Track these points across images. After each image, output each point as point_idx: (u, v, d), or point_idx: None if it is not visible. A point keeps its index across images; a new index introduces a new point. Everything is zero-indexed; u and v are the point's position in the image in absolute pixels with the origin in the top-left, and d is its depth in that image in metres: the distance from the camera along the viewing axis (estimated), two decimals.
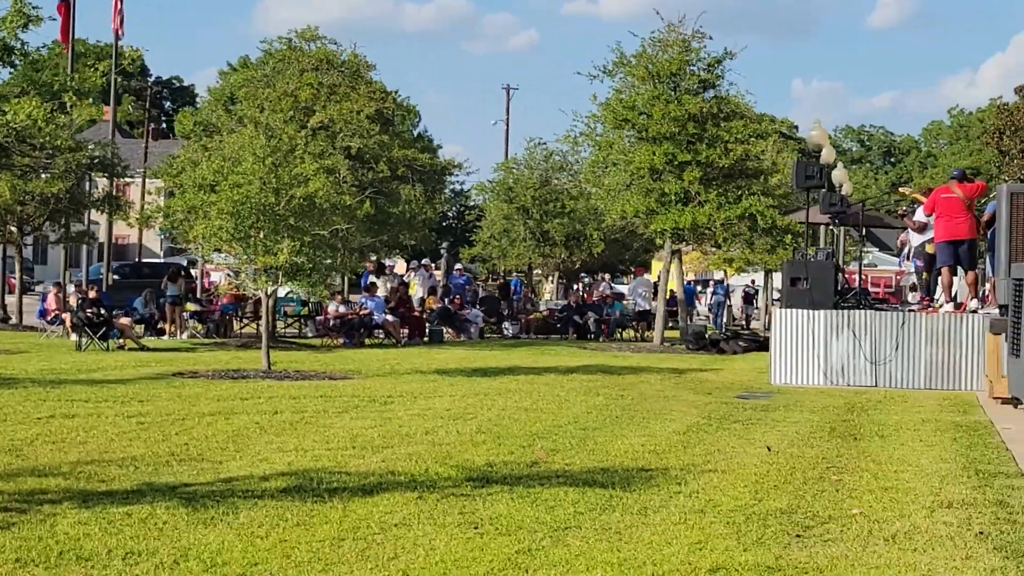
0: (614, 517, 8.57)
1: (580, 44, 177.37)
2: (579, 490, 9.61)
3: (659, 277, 31.67)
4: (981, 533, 8.20)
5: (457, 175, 49.20)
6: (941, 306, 20.55)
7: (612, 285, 42.98)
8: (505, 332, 33.86)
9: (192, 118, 61.39)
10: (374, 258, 37.48)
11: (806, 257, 22.23)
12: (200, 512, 8.43)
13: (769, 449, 12.02)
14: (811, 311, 20.11)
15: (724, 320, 44.09)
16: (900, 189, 27.40)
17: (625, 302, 35.34)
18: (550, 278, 53.39)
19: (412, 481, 9.93)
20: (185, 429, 12.84)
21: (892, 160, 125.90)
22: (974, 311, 20.16)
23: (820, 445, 12.56)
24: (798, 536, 8.04)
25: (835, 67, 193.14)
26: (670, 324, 36.85)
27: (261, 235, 18.62)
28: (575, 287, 44.66)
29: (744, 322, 48.62)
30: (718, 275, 54.68)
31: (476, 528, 8.11)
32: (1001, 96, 60.76)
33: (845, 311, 20.16)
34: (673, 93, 27.50)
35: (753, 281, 54.49)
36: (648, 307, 34.53)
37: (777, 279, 63.12)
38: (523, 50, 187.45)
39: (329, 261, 19.38)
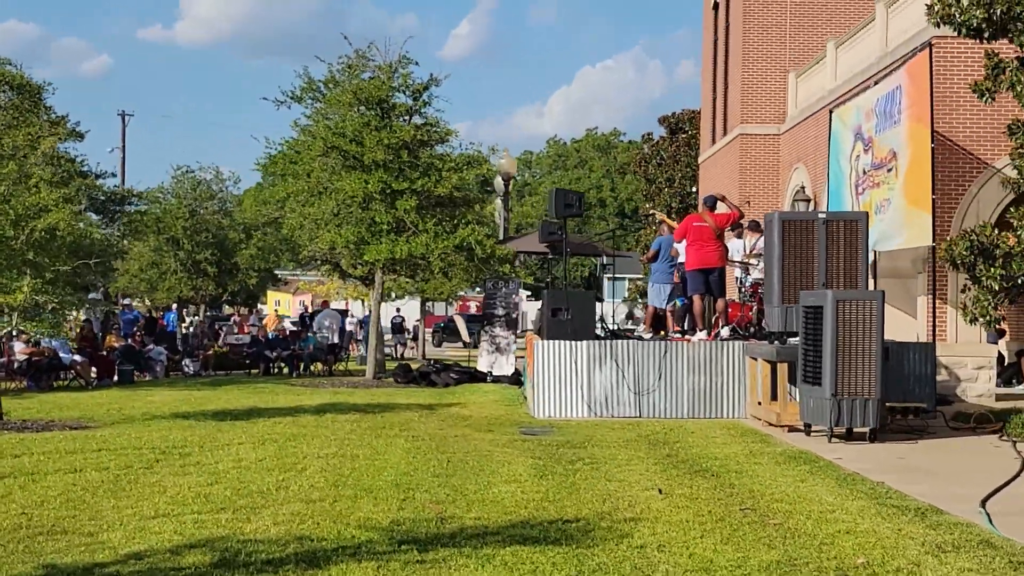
0: None
1: (155, 70, 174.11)
2: (536, 549, 8.84)
3: (370, 309, 30.71)
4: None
5: None
6: (694, 334, 20.62)
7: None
8: (186, 369, 32.01)
9: None
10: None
11: (567, 287, 21.91)
12: None
13: (661, 492, 11.49)
14: (573, 342, 19.75)
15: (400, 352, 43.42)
16: (652, 210, 27.54)
17: (312, 334, 34.07)
18: (188, 310, 51.25)
19: (343, 548, 8.91)
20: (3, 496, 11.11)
21: (489, 189, 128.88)
22: (726, 338, 20.34)
23: (695, 484, 12.13)
24: None
25: None
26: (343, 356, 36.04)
27: None
28: (261, 320, 42.95)
29: (393, 352, 48.08)
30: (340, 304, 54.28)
31: None
32: (597, 127, 62.96)
33: (608, 341, 19.92)
34: (382, 120, 26.70)
35: (399, 309, 54.12)
36: (336, 340, 33.48)
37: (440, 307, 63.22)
38: (95, 76, 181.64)
39: (70, 298, 17.50)
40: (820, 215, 18.36)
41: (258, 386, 26.78)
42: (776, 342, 18.47)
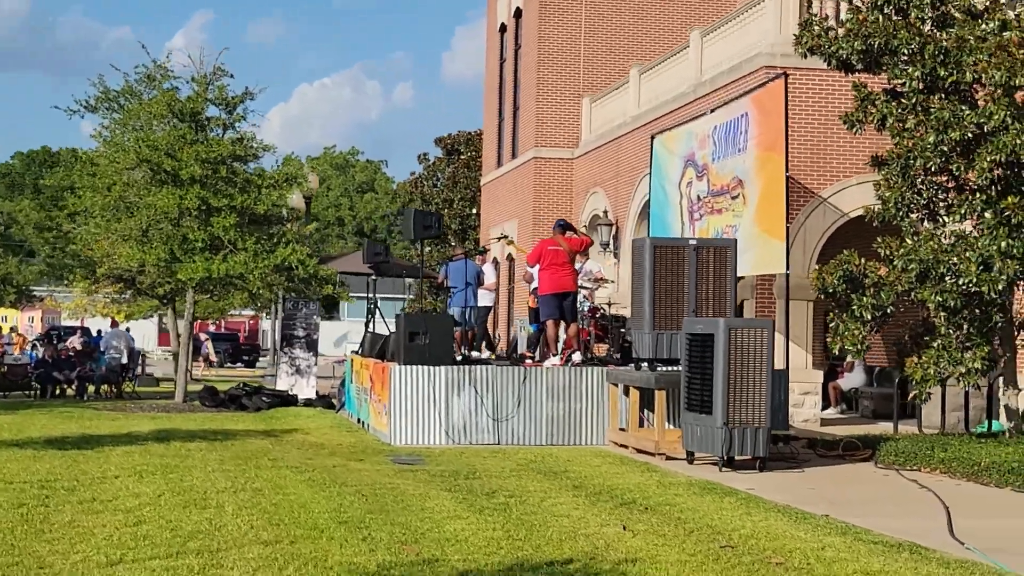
0: None
1: None
2: None
3: (170, 326, 29.26)
4: None
5: None
6: (546, 360, 20.26)
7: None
8: None
9: None
10: None
11: (425, 311, 21.24)
12: None
13: (625, 528, 11.07)
14: (431, 367, 19.14)
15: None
16: (507, 242, 27.00)
17: (102, 354, 32.21)
18: None
19: None
20: None
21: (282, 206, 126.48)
22: (578, 364, 20.06)
23: (643, 519, 11.76)
24: None
25: None
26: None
27: None
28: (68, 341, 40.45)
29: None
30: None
31: None
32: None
33: (467, 367, 19.38)
34: (195, 133, 25.52)
35: (128, 329, 52.07)
36: (125, 361, 31.82)
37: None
38: None
39: None
40: (691, 242, 18.29)
41: (59, 410, 25.14)
42: (644, 368, 18.28)
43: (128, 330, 37.22)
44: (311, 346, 30.98)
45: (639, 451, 17.87)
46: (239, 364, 61.86)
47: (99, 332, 48.38)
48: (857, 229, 24.83)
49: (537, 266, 20.31)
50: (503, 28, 41.80)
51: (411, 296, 53.73)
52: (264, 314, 77.39)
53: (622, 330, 22.59)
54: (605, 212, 32.90)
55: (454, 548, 9.97)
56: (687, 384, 16.41)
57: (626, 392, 19.22)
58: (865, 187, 23.81)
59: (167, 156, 24.86)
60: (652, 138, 26.80)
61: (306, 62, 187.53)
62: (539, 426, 19.33)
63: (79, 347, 33.75)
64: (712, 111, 23.56)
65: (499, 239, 26.43)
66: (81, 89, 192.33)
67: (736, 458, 16.03)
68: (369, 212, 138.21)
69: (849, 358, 27.29)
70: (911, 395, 18.56)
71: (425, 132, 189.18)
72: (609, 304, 23.29)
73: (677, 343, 17.82)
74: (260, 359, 70.19)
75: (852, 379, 27.22)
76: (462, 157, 47.78)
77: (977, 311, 16.75)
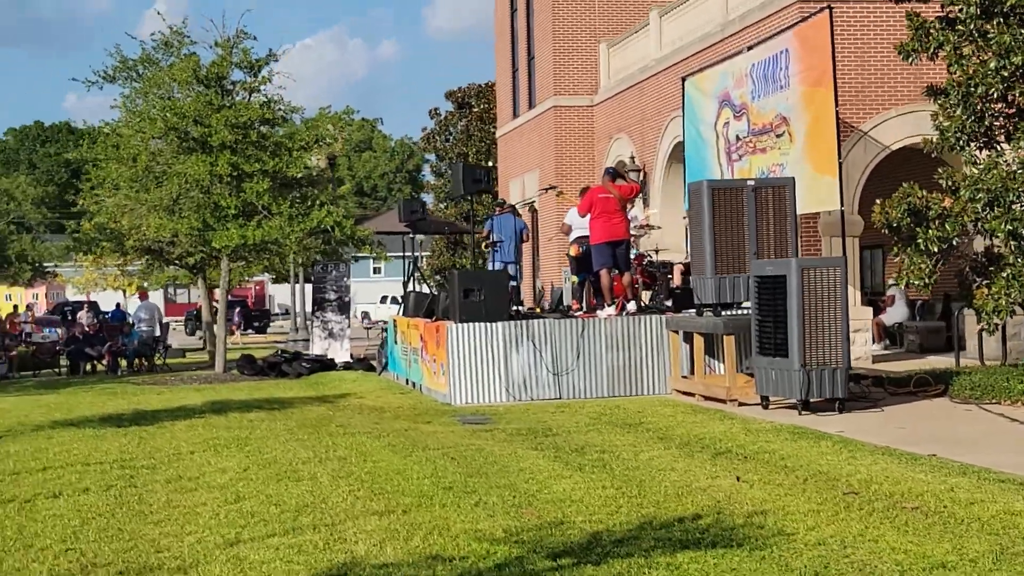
0: None
1: None
2: (713, 553, 8.06)
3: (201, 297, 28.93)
4: None
5: None
6: (602, 309, 19.94)
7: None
8: None
9: None
10: None
11: (481, 267, 20.91)
12: None
13: (739, 479, 10.78)
14: (488, 323, 18.83)
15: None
16: (555, 193, 26.59)
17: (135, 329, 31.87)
18: None
19: (509, 567, 7.83)
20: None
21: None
22: (633, 313, 19.75)
23: (746, 468, 11.48)
24: None
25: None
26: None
27: None
28: (78, 316, 40.12)
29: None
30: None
31: None
32: None
33: (524, 321, 19.06)
34: (222, 98, 25.07)
35: (118, 305, 51.67)
36: (157, 333, 31.51)
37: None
38: None
39: None
40: (749, 183, 17.90)
41: (99, 387, 24.85)
42: (707, 314, 17.96)
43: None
44: (343, 308, 30.66)
45: (707, 398, 17.57)
46: (249, 331, 61.59)
47: (117, 306, 48.09)
48: (900, 162, 24.50)
49: (587, 216, 19.92)
50: None
51: (427, 252, 53.29)
52: (269, 279, 76.97)
53: (669, 276, 22.29)
54: (632, 158, 32.47)
55: (573, 509, 9.68)
56: (758, 328, 16.08)
57: (686, 339, 18.92)
58: (905, 119, 23.48)
59: (195, 123, 24.42)
60: (683, 80, 26.36)
61: (289, 22, 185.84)
62: (600, 378, 19.03)
63: (86, 322, 33.29)
64: (749, 48, 23.13)
65: (547, 190, 25.96)
66: (65, 63, 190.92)
67: (812, 401, 15.72)
68: (368, 171, 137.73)
69: (891, 291, 27.01)
70: (979, 327, 18.22)
71: (414, 88, 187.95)
72: (656, 251, 22.95)
73: (740, 287, 17.53)
74: (270, 324, 69.98)
75: (894, 314, 26.96)
76: (474, 110, 47.24)
77: None
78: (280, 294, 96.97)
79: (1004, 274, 16.76)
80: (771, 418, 15.26)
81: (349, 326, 31.06)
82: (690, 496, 10.07)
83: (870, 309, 24.19)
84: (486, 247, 22.30)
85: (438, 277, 45.44)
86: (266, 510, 10.03)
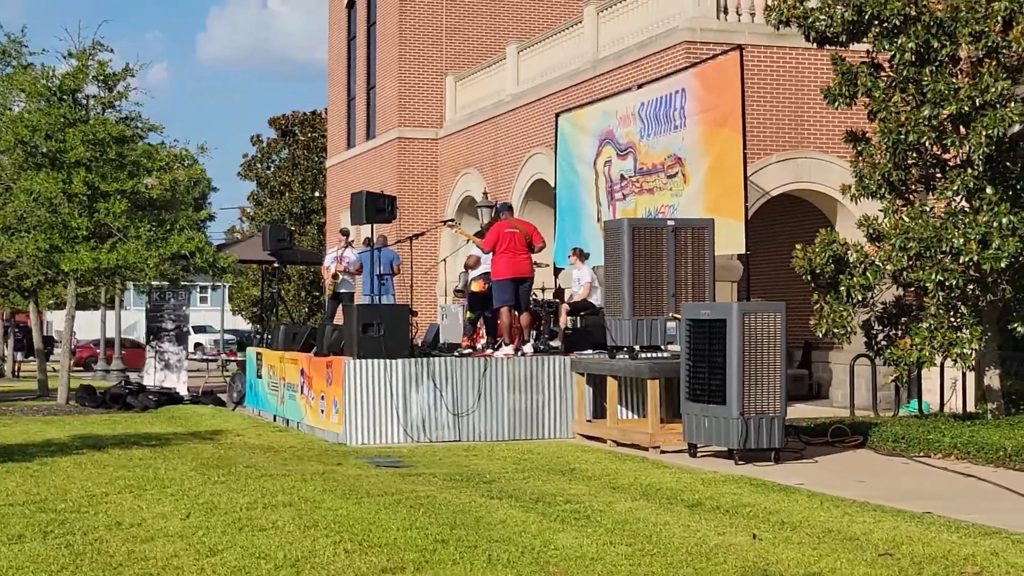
0: None
1: None
2: None
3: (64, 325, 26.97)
4: None
5: None
6: (499, 348, 19.12)
7: None
8: None
9: None
10: None
11: (379, 300, 19.80)
12: None
13: (755, 536, 10.10)
14: (388, 360, 17.82)
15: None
16: (452, 227, 25.49)
17: None
18: None
19: None
20: None
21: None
22: (530, 354, 19.01)
23: (743, 525, 10.80)
24: None
25: None
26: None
27: None
28: None
29: None
30: None
31: None
32: None
33: (424, 359, 18.11)
34: (75, 112, 23.44)
35: None
36: None
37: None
38: None
39: None
40: (669, 223, 17.35)
41: None
42: (622, 356, 17.33)
43: None
44: (181, 339, 29.13)
45: (621, 444, 16.89)
46: (31, 358, 58.39)
47: None
48: (780, 208, 24.40)
49: (491, 253, 19.09)
50: (351, 4, 40.27)
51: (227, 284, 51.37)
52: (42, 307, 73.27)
53: (552, 316, 21.60)
54: (485, 193, 31.74)
55: (601, 568, 8.85)
56: (690, 373, 15.48)
57: (590, 382, 18.26)
58: (785, 165, 23.40)
59: (47, 138, 22.76)
60: (557, 116, 25.82)
61: (50, 42, 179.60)
62: (500, 420, 18.22)
63: None
64: (640, 87, 22.69)
65: (446, 223, 25.00)
66: None
67: (748, 449, 15.09)
68: None
69: None
70: (892, 377, 18.04)
71: (186, 115, 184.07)
72: (543, 289, 22.26)
73: (658, 330, 16.97)
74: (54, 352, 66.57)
75: None
76: (300, 139, 45.91)
77: (976, 290, 16.26)
78: (57, 321, 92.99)
79: (924, 325, 16.55)
80: (709, 467, 14.66)
81: (186, 357, 29.51)
82: (715, 555, 9.34)
83: None
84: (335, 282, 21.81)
85: (255, 309, 43.89)
86: (256, 566, 8.92)
